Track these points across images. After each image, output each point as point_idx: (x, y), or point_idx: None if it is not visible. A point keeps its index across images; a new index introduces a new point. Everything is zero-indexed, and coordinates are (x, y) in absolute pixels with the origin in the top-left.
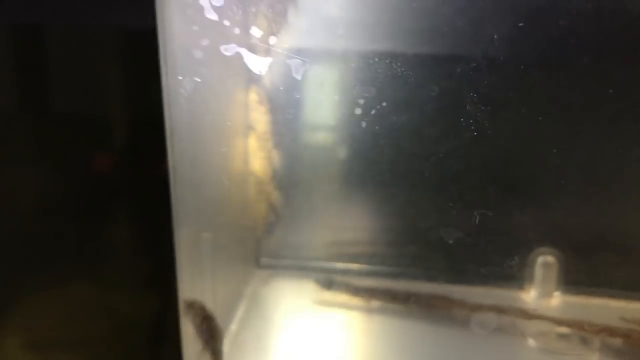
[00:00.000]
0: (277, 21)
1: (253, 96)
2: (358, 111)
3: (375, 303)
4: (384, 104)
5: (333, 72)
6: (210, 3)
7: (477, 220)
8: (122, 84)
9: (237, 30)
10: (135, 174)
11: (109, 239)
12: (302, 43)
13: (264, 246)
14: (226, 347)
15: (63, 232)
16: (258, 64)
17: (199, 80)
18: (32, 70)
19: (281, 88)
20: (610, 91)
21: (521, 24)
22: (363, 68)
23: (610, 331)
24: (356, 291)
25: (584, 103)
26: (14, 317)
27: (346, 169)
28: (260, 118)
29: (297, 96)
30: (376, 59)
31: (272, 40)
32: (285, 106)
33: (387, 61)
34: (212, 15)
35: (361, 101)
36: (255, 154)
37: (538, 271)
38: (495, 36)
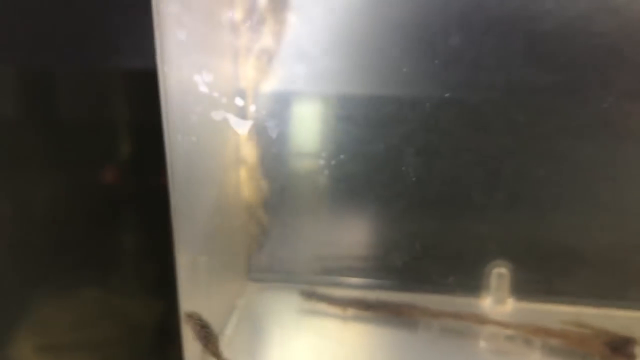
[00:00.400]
0: (262, 70)
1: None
2: (321, 162)
3: (350, 311)
4: (342, 156)
5: (306, 116)
6: (203, 79)
7: (418, 248)
8: (127, 122)
9: (224, 100)
10: (139, 188)
11: (116, 248)
12: (283, 88)
13: (254, 262)
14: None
15: (73, 241)
16: (242, 126)
17: (195, 139)
18: (43, 110)
19: (267, 127)
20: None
21: (447, 95)
22: (325, 130)
23: (549, 332)
24: (334, 301)
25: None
26: (28, 321)
27: (322, 199)
28: (249, 152)
29: (281, 135)
30: (336, 124)
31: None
32: (271, 142)
33: (343, 125)
34: (204, 89)
35: (323, 154)
36: (246, 184)
37: (492, 281)
38: (427, 104)
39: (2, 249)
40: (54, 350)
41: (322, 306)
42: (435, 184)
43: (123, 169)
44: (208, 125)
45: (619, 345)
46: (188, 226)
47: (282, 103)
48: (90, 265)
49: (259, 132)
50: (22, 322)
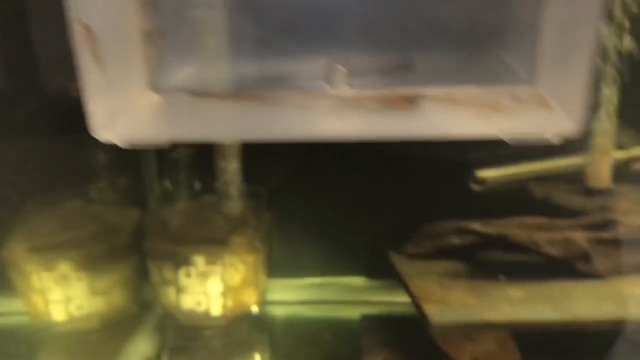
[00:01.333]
0: None
1: None
2: None
3: (229, 101)
4: None
5: None
6: None
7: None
8: None
9: None
10: None
11: (93, 162)
12: None
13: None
14: None
15: (56, 158)
16: None
17: None
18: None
19: None
20: None
21: None
22: None
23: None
24: (218, 95)
25: None
26: (21, 228)
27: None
28: None
29: None
30: None
31: None
32: None
33: None
34: None
35: None
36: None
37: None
38: None
39: None
40: (42, 250)
41: (211, 100)
42: None
43: None
44: None
45: None
46: None
47: None
48: (72, 179)
49: None
50: (16, 228)
